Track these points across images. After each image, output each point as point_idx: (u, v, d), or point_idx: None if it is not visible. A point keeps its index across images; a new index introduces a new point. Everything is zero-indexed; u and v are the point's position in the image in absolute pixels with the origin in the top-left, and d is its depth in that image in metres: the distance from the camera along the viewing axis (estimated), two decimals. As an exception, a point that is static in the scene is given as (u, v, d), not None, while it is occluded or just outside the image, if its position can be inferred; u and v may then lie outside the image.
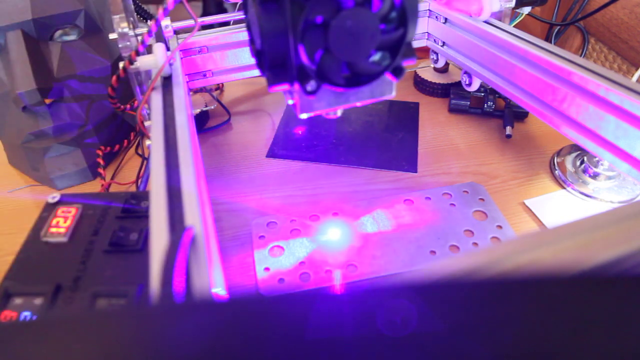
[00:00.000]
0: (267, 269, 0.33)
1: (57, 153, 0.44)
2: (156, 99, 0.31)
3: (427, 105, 0.55)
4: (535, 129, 0.50)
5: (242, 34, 0.44)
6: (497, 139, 0.49)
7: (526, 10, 0.47)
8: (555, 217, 0.38)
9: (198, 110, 0.51)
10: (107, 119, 0.47)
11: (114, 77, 0.33)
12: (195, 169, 0.24)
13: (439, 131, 0.50)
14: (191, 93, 0.56)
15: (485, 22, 0.43)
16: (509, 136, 0.48)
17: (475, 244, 0.35)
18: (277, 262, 0.34)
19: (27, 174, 0.46)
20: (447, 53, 0.50)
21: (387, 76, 0.28)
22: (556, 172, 0.42)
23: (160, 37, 0.40)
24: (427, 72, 0.58)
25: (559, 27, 0.62)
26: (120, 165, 0.47)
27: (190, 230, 0.19)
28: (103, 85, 0.46)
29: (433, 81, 0.57)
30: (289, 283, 0.32)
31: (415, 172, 0.44)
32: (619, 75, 0.31)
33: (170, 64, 0.34)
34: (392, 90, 0.31)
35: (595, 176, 0.41)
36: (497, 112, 0.51)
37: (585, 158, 0.42)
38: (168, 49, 0.40)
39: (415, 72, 0.60)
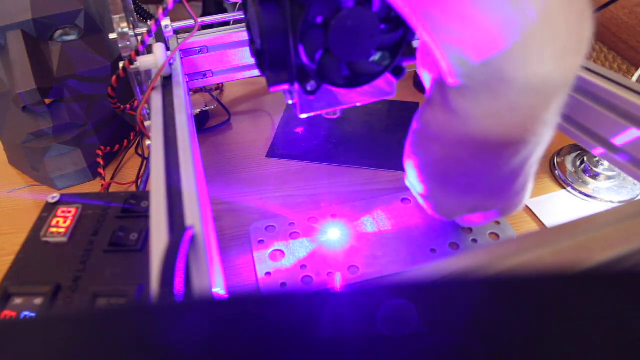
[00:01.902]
0: (268, 273, 0.33)
1: (57, 153, 0.44)
2: (156, 99, 0.31)
3: (427, 105, 0.55)
4: (535, 129, 0.50)
5: (242, 34, 0.44)
6: (497, 139, 0.49)
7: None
8: (555, 217, 0.38)
9: (198, 110, 0.51)
10: (107, 119, 0.47)
11: (114, 77, 0.33)
12: (195, 169, 0.24)
13: (439, 131, 0.50)
14: (191, 93, 0.56)
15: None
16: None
17: (474, 240, 0.35)
18: (278, 266, 0.34)
19: (27, 174, 0.46)
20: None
21: (387, 76, 0.28)
22: (556, 172, 0.42)
23: (160, 37, 0.40)
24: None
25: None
26: (120, 165, 0.47)
27: (190, 230, 0.19)
28: (103, 85, 0.46)
29: (433, 81, 0.57)
30: (292, 287, 0.32)
31: (415, 172, 0.44)
32: (619, 75, 0.31)
33: (170, 64, 0.34)
34: (393, 90, 0.31)
35: (595, 176, 0.41)
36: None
37: (585, 158, 0.42)
38: (168, 49, 0.40)
39: (415, 72, 0.60)
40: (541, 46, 0.17)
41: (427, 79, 0.25)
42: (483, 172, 0.23)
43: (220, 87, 0.59)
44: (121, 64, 0.33)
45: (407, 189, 0.41)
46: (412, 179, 0.27)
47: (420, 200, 0.28)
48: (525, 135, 0.20)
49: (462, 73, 0.19)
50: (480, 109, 0.19)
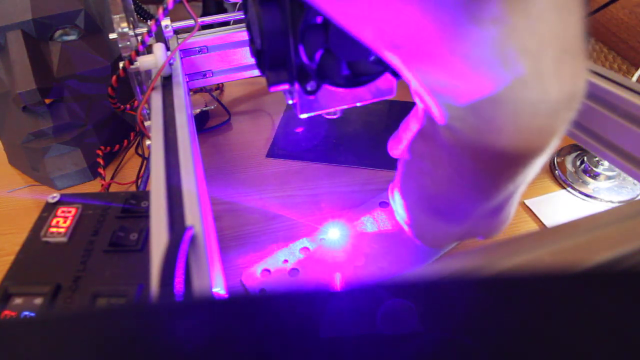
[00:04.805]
0: None
1: (57, 153, 0.44)
2: (156, 99, 0.31)
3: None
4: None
5: (242, 34, 0.44)
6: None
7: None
8: (555, 217, 0.38)
9: (198, 110, 0.51)
10: (107, 119, 0.47)
11: (114, 77, 0.33)
12: (195, 169, 0.24)
13: (439, 131, 0.50)
14: (191, 93, 0.56)
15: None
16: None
17: None
18: None
19: (27, 174, 0.46)
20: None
21: (388, 76, 0.28)
22: (556, 172, 0.42)
23: (160, 37, 0.40)
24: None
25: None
26: (120, 165, 0.47)
27: (190, 230, 0.19)
28: (103, 85, 0.46)
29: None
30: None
31: (415, 172, 0.44)
32: (619, 76, 0.31)
33: (170, 64, 0.34)
34: (393, 90, 0.31)
35: (595, 176, 0.41)
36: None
37: (585, 158, 0.42)
38: (168, 49, 0.40)
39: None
40: (532, 102, 0.17)
41: (419, 107, 0.25)
42: (471, 208, 0.23)
43: (220, 87, 0.59)
44: (121, 64, 0.33)
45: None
46: (399, 207, 0.28)
47: (406, 228, 0.28)
48: (514, 177, 0.20)
49: (453, 116, 0.19)
50: (471, 148, 0.20)
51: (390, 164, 0.45)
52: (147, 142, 0.38)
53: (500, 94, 0.17)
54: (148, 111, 0.35)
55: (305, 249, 0.35)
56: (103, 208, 0.27)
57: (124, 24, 0.35)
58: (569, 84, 0.17)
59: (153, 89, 0.32)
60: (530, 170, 0.20)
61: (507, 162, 0.19)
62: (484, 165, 0.20)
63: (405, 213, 0.27)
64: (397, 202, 0.28)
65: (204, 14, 0.71)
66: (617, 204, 0.39)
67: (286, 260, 0.34)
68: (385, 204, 0.39)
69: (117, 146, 0.48)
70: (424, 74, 0.18)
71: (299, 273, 0.33)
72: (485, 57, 0.16)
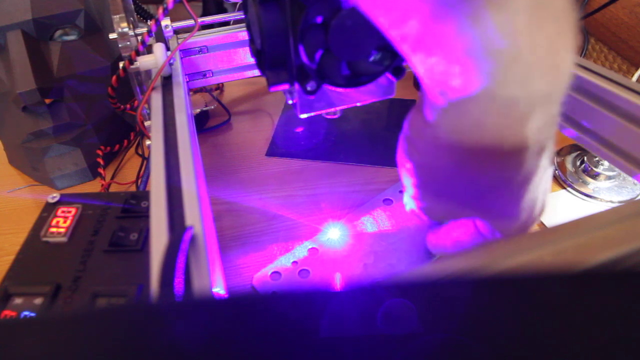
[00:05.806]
0: None
1: (57, 153, 0.44)
2: (156, 99, 0.31)
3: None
4: (535, 129, 0.50)
5: (242, 34, 0.44)
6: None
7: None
8: (555, 217, 0.38)
9: (198, 110, 0.51)
10: (107, 119, 0.47)
11: (114, 77, 0.33)
12: (195, 169, 0.24)
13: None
14: (191, 93, 0.56)
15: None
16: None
17: None
18: None
19: (27, 174, 0.46)
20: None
21: (388, 76, 0.28)
22: (556, 172, 0.42)
23: (160, 37, 0.40)
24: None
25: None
26: (120, 165, 0.47)
27: (190, 230, 0.19)
28: (103, 85, 0.46)
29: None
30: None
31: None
32: (619, 75, 0.31)
33: (170, 64, 0.34)
34: (393, 90, 0.31)
35: (595, 176, 0.41)
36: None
37: (585, 158, 0.42)
38: (168, 49, 0.40)
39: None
40: (510, 98, 0.18)
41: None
42: (458, 182, 0.24)
43: (220, 87, 0.59)
44: (121, 64, 0.33)
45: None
46: (404, 179, 0.28)
47: (414, 206, 0.28)
48: (494, 169, 0.21)
49: (437, 109, 0.20)
50: (449, 142, 0.21)
51: (391, 161, 0.45)
52: (147, 142, 0.38)
53: (481, 88, 0.17)
54: (148, 111, 0.35)
55: (313, 249, 0.35)
56: (103, 208, 0.27)
57: (124, 24, 0.35)
58: (550, 80, 0.18)
59: (153, 89, 0.32)
60: (524, 166, 0.20)
61: (484, 156, 0.20)
62: (460, 157, 0.21)
63: (406, 182, 0.28)
64: (401, 173, 0.28)
65: (204, 14, 0.71)
66: (617, 204, 0.39)
67: (295, 262, 0.34)
68: (389, 201, 0.39)
69: (117, 146, 0.48)
70: (423, 63, 0.19)
71: (310, 274, 0.33)
72: (470, 50, 0.17)
